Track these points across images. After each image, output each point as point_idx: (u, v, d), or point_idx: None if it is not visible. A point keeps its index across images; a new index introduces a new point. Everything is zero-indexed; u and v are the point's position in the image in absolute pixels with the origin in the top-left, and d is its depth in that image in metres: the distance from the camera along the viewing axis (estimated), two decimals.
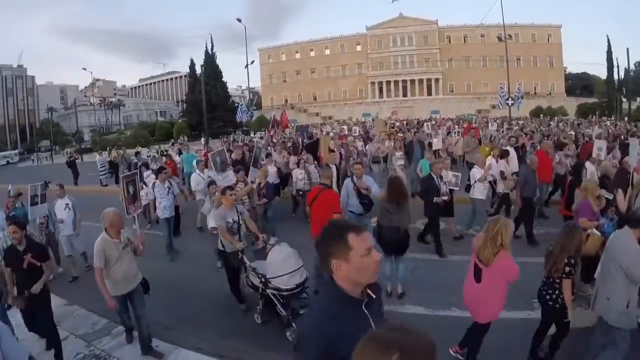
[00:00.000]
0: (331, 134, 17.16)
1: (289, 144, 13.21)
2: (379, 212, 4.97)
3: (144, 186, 7.59)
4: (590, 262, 3.80)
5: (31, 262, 3.81)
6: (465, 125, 18.78)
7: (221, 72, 46.46)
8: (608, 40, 45.52)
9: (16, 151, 52.13)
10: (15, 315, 4.09)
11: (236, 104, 38.46)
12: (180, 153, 13.63)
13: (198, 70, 43.01)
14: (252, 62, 33.34)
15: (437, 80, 62.41)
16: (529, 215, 6.53)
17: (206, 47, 45.66)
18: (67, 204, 6.40)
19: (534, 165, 6.54)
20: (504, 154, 7.65)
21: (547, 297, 3.26)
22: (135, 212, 5.05)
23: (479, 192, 6.88)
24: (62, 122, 69.24)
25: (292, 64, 69.14)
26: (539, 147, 9.19)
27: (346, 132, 19.18)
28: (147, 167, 9.85)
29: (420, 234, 6.72)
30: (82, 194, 12.98)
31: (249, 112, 30.27)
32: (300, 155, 9.76)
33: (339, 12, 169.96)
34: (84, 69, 71.99)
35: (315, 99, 66.63)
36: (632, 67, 45.22)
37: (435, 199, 6.10)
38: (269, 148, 12.48)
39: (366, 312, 1.38)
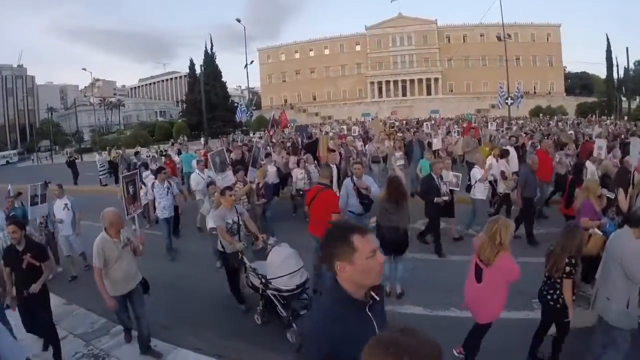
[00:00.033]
0: (330, 133, 17.15)
1: (289, 144, 13.20)
2: (378, 212, 4.97)
3: (143, 186, 7.58)
4: (591, 262, 3.79)
5: (30, 262, 3.80)
6: (464, 125, 18.77)
7: (221, 72, 46.50)
8: (607, 39, 45.56)
9: (15, 151, 52.14)
10: (14, 316, 4.08)
11: (236, 104, 38.39)
12: (179, 153, 13.62)
13: (198, 70, 43.03)
14: (252, 62, 33.42)
15: (436, 80, 62.41)
16: (530, 216, 6.53)
17: (206, 47, 45.77)
18: (66, 204, 6.39)
19: (535, 165, 6.53)
20: (504, 154, 7.64)
21: (548, 297, 3.26)
22: (135, 212, 5.05)
23: (480, 192, 6.86)
24: (62, 122, 69.23)
25: (292, 64, 69.12)
26: (539, 146, 9.18)
27: (345, 132, 19.17)
28: (147, 168, 9.84)
29: (421, 233, 6.72)
30: (82, 193, 12.98)
31: (249, 112, 30.27)
32: (300, 155, 9.76)
33: (339, 12, 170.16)
34: (84, 69, 72.31)
35: (314, 99, 66.61)
36: (631, 66, 45.26)
37: (435, 199, 6.09)
38: (269, 148, 12.48)
39: (369, 314, 1.38)
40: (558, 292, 3.19)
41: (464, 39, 60.61)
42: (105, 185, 15.38)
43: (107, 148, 24.33)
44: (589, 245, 3.88)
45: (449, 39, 62.81)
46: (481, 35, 58.07)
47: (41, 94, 75.95)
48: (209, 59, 45.29)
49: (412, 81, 62.51)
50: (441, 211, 6.33)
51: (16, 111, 71.65)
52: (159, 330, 4.29)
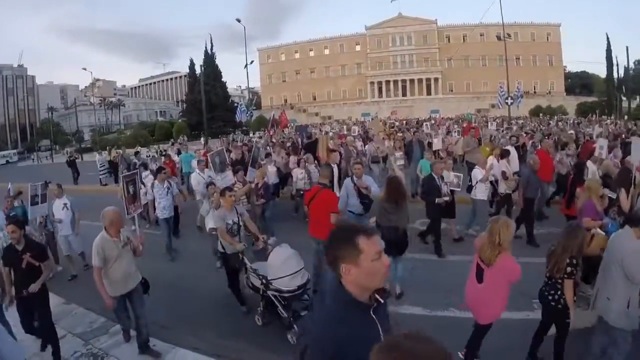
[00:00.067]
0: (330, 133, 17.14)
1: (288, 144, 13.19)
2: (377, 212, 4.96)
3: (142, 186, 7.57)
4: (591, 263, 3.78)
5: (30, 261, 3.80)
6: (464, 125, 18.76)
7: (221, 72, 46.52)
8: (607, 38, 45.50)
9: (15, 151, 52.19)
10: (14, 316, 4.08)
11: (236, 104, 38.40)
12: (179, 153, 13.61)
13: (198, 70, 43.03)
14: (252, 62, 33.41)
15: (436, 79, 62.38)
16: (530, 216, 6.52)
17: (206, 47, 45.79)
18: (65, 204, 6.38)
19: (536, 165, 6.52)
20: (504, 154, 7.62)
21: (550, 297, 3.25)
22: (135, 212, 5.04)
23: (481, 192, 6.83)
24: (62, 122, 69.28)
25: (292, 64, 69.09)
26: (539, 146, 9.16)
27: (345, 132, 19.16)
28: (146, 168, 9.83)
29: (421, 233, 6.71)
30: (82, 193, 12.99)
31: (249, 112, 30.26)
32: (300, 155, 9.75)
33: (339, 12, 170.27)
34: (84, 69, 72.14)
35: (314, 99, 66.58)
36: (631, 65, 45.25)
37: (437, 200, 6.07)
38: (268, 148, 12.47)
39: (374, 317, 1.37)
40: (559, 292, 3.18)
41: (463, 38, 60.57)
42: (106, 184, 15.39)
43: (107, 148, 24.36)
44: (592, 245, 3.86)
45: (448, 39, 62.77)
46: (481, 35, 58.02)
47: (41, 94, 75.98)
48: (209, 59, 45.30)
49: (412, 81, 62.47)
50: (442, 212, 6.31)
51: (16, 111, 71.71)
52: (158, 330, 4.29)
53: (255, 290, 4.36)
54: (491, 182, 7.07)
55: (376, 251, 1.35)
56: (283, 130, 21.66)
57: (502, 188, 7.23)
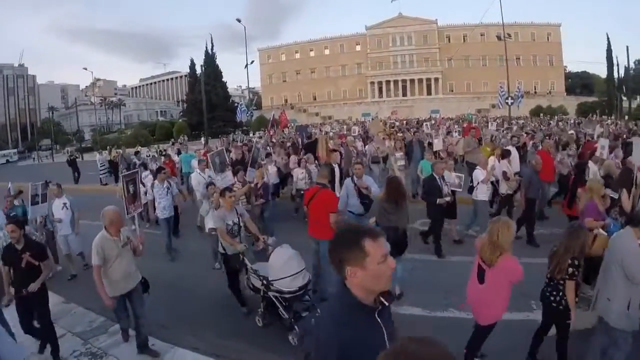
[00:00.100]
0: (330, 133, 17.14)
1: (289, 144, 13.19)
2: (377, 212, 4.95)
3: (142, 186, 7.57)
4: (592, 263, 3.77)
5: (29, 261, 3.80)
6: (465, 125, 18.75)
7: (221, 72, 46.52)
8: (608, 38, 45.46)
9: (15, 150, 52.26)
10: (13, 316, 4.08)
11: (236, 104, 38.46)
12: (179, 153, 13.61)
13: (198, 70, 43.03)
14: (252, 62, 33.43)
15: (436, 79, 62.35)
16: (531, 216, 6.51)
17: (206, 47, 45.81)
18: (64, 204, 6.37)
19: (538, 166, 6.51)
20: (505, 154, 7.61)
21: (551, 298, 3.24)
22: (135, 212, 5.04)
23: (482, 193, 6.80)
24: (63, 121, 69.37)
25: (292, 64, 69.09)
26: (540, 146, 9.15)
27: (345, 132, 19.15)
28: (146, 168, 9.83)
29: (424, 233, 6.69)
30: (82, 192, 13.00)
31: (249, 112, 30.29)
32: (300, 155, 9.74)
33: (339, 12, 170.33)
34: (85, 68, 72.21)
35: (315, 99, 66.58)
36: (632, 65, 45.21)
37: (438, 201, 6.04)
38: (269, 148, 12.46)
39: (379, 320, 1.36)
40: (561, 293, 3.17)
41: (464, 38, 60.52)
42: (106, 184, 15.40)
43: (108, 147, 24.36)
44: (595, 246, 3.84)
45: (449, 39, 62.74)
46: (481, 35, 58.00)
47: (42, 93, 76.10)
48: (210, 59, 45.31)
49: (412, 81, 62.45)
50: (443, 212, 6.29)
51: (17, 110, 71.87)
52: (158, 330, 4.28)
53: (256, 291, 4.34)
54: (492, 183, 7.06)
55: (382, 254, 1.33)
56: (283, 130, 21.66)
57: (503, 188, 7.21)
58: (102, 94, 77.77)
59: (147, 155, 15.98)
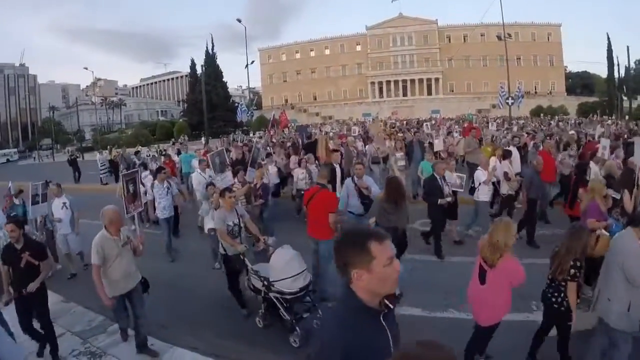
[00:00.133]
0: (330, 133, 17.12)
1: (289, 144, 13.18)
2: (377, 212, 4.95)
3: (142, 186, 7.56)
4: (592, 264, 3.77)
5: (29, 260, 3.80)
6: (465, 125, 18.73)
7: (222, 72, 46.56)
8: (608, 38, 45.39)
9: (16, 149, 52.36)
10: (13, 316, 4.08)
11: (236, 104, 38.50)
12: (179, 153, 13.62)
13: (199, 70, 43.04)
14: (252, 62, 33.45)
15: (437, 79, 62.33)
16: (532, 217, 6.50)
17: (207, 47, 45.89)
18: (64, 203, 6.37)
19: (540, 166, 6.49)
20: (506, 155, 7.58)
21: (553, 299, 3.22)
22: (135, 211, 5.04)
23: (484, 194, 6.78)
24: (64, 121, 69.44)
25: (292, 64, 69.09)
26: (541, 147, 9.13)
27: (345, 132, 19.13)
28: (146, 167, 9.83)
29: (423, 233, 6.68)
30: (82, 192, 13.00)
31: (249, 112, 30.28)
32: (300, 155, 9.73)
33: (339, 12, 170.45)
34: (85, 68, 71.70)
35: (315, 99, 66.58)
36: (632, 65, 45.17)
37: (439, 201, 6.02)
38: (269, 148, 12.45)
39: (384, 323, 1.35)
40: (562, 294, 3.16)
41: (464, 38, 60.51)
42: (106, 184, 15.43)
43: (108, 147, 24.37)
44: (598, 247, 3.82)
45: (449, 39, 62.71)
46: (482, 35, 57.98)
47: (43, 93, 76.18)
48: (210, 59, 45.35)
49: (412, 81, 62.42)
50: (444, 213, 6.27)
51: (18, 109, 72.00)
52: (157, 329, 4.28)
53: (257, 292, 4.32)
54: (493, 183, 7.05)
55: (388, 256, 1.33)
56: (283, 131, 21.66)
57: (505, 189, 7.20)
58: (102, 93, 77.83)
59: (147, 155, 16.00)
